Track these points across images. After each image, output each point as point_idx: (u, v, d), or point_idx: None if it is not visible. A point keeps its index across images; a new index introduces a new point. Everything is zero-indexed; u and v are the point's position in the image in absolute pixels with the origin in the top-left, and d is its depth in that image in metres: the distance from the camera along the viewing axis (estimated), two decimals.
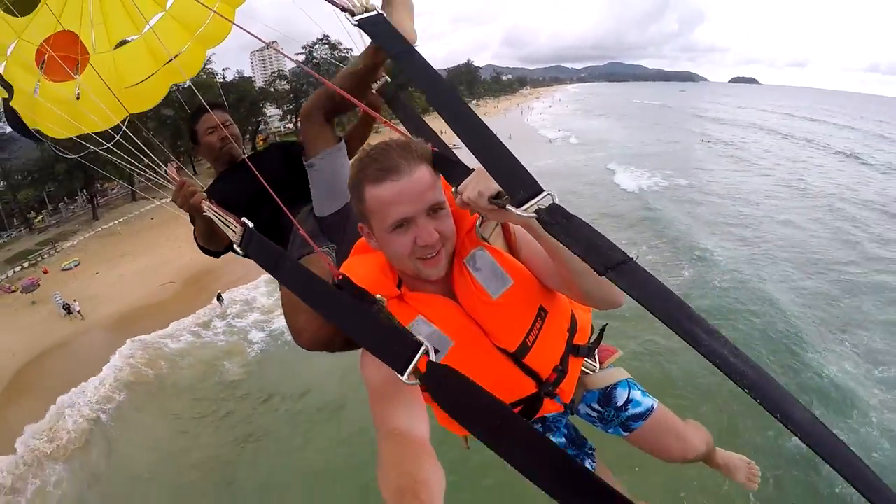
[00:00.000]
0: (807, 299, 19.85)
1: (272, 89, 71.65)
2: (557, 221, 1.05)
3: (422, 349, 1.17)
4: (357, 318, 1.33)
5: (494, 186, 1.20)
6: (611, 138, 65.23)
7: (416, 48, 1.57)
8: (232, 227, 1.89)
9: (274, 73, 78.57)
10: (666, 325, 0.87)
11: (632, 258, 0.97)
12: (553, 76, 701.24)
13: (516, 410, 1.67)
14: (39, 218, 48.92)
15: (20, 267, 35.80)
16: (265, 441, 15.52)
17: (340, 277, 1.47)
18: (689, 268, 22.57)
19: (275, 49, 2.52)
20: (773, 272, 22.34)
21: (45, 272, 33.61)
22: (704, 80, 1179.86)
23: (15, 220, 47.45)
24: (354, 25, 1.62)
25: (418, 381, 1.14)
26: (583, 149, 58.32)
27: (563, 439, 2.03)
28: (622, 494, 0.87)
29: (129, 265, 32.21)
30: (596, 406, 2.04)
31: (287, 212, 2.04)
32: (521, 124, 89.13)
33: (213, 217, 2.06)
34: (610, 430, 2.09)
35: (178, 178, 2.28)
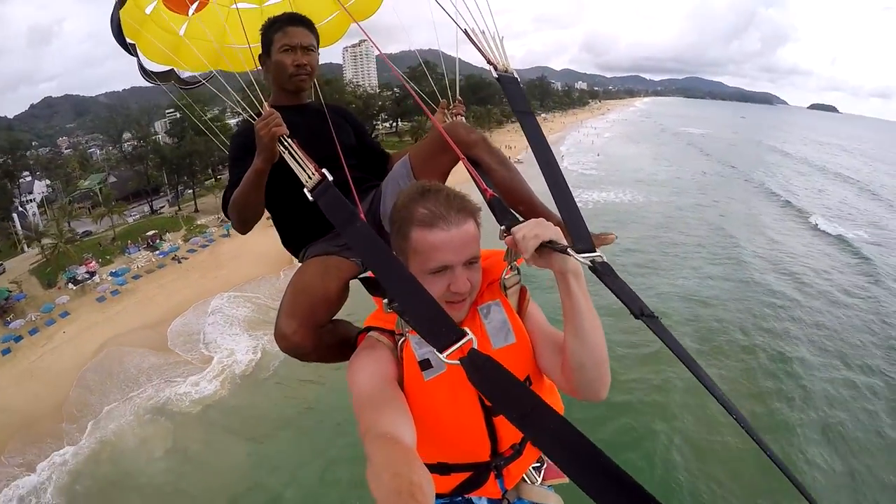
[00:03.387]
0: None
1: (383, 94, 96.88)
2: (607, 273, 1.30)
3: (467, 337, 1.24)
4: (415, 294, 1.37)
5: (549, 235, 1.40)
6: (618, 166, 79.19)
7: (532, 112, 1.89)
8: (308, 173, 1.83)
9: (384, 84, 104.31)
10: (684, 364, 1.14)
11: (658, 316, 1.21)
12: (629, 87, 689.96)
13: (462, 477, 1.73)
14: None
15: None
16: None
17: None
18: None
19: (385, 59, 2.61)
20: None
21: None
22: (784, 103, 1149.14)
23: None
24: (495, 79, 2.00)
25: (457, 362, 1.21)
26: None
27: None
28: (640, 485, 0.90)
29: None
30: None
31: (357, 199, 2.01)
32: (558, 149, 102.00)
33: (287, 157, 1.95)
34: None
35: (268, 109, 2.05)
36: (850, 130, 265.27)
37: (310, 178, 1.82)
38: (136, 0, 2.88)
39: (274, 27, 2.53)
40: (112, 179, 68.91)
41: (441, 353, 1.23)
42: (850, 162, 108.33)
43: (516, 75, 1.98)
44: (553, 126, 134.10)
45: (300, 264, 2.34)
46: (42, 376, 30.05)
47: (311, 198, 1.77)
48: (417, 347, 1.59)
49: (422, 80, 3.15)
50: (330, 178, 1.78)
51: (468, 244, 1.54)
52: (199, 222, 53.77)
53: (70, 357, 31.68)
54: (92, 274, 42.93)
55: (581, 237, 1.44)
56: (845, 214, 57.69)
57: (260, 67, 2.64)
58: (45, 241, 46.64)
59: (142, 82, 3.42)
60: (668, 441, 20.03)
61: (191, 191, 65.69)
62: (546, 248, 1.39)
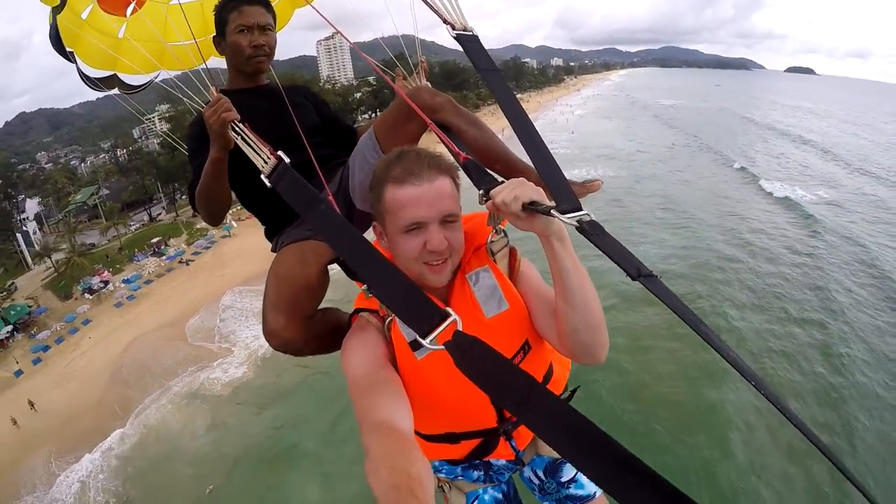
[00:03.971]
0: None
1: (361, 88, 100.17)
2: (596, 233, 1.20)
3: (450, 318, 1.18)
4: (388, 277, 1.32)
5: (530, 194, 1.30)
6: (590, 143, 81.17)
7: (499, 70, 1.77)
8: (264, 157, 1.72)
9: (361, 78, 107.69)
10: (686, 323, 1.04)
11: (657, 275, 1.13)
12: (605, 60, 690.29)
13: (472, 444, 1.73)
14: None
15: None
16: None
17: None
18: None
19: (356, 49, 2.41)
20: None
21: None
22: (762, 67, 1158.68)
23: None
24: (453, 38, 1.82)
25: (442, 347, 1.15)
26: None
27: (500, 495, 2.04)
28: (647, 465, 0.84)
29: None
30: (540, 474, 2.03)
31: (323, 180, 1.96)
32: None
33: (241, 143, 1.83)
34: (545, 503, 2.09)
35: (216, 94, 1.94)
36: (825, 92, 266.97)
37: (265, 162, 1.71)
38: (71, 5, 2.79)
39: (228, 6, 2.42)
40: (105, 191, 70.75)
41: (424, 338, 1.18)
42: (816, 124, 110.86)
43: (475, 32, 1.84)
44: (529, 106, 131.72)
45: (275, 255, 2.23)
46: (77, 378, 32.75)
47: (268, 184, 1.67)
48: (404, 327, 1.53)
49: (395, 68, 3.02)
50: (287, 160, 1.67)
51: (441, 199, 1.46)
52: (198, 226, 56.19)
53: (100, 358, 34.43)
54: (106, 283, 45.53)
55: (564, 196, 1.33)
56: (798, 177, 60.29)
57: (205, 65, 2.50)
58: (57, 255, 49.12)
59: (114, 90, 3.38)
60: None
61: (186, 196, 67.70)
62: (528, 211, 1.29)
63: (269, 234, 2.46)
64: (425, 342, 1.18)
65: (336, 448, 21.19)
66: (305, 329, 1.96)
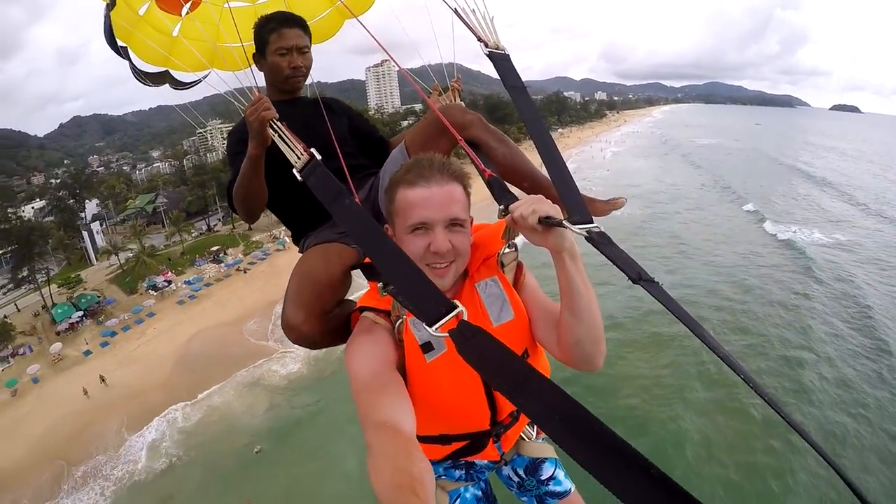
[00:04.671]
0: None
1: (408, 116, 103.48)
2: (604, 242, 1.28)
3: (457, 309, 1.23)
4: (403, 268, 1.37)
5: (546, 210, 1.36)
6: (623, 182, 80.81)
7: (524, 87, 1.87)
8: (297, 153, 1.84)
9: (407, 106, 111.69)
10: (686, 326, 1.11)
11: (657, 281, 1.19)
12: (649, 95, 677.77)
13: (460, 446, 1.82)
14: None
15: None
16: None
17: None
18: None
19: (409, 77, 2.51)
20: None
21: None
22: (806, 105, 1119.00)
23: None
24: (486, 55, 1.94)
25: (447, 335, 1.19)
26: None
27: (480, 492, 2.10)
28: (636, 449, 0.86)
29: None
30: (521, 472, 2.11)
31: (351, 185, 1.94)
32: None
33: (277, 140, 1.96)
34: (524, 499, 2.17)
35: (257, 94, 2.07)
36: (865, 132, 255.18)
37: (298, 158, 1.82)
38: (128, 1, 2.84)
39: (268, 27, 2.52)
40: (163, 199, 74.69)
41: (430, 326, 1.23)
42: (844, 166, 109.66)
43: (507, 52, 1.95)
44: (569, 142, 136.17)
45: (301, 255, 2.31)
46: (143, 361, 36.36)
47: (299, 178, 1.77)
48: (417, 330, 1.60)
49: (432, 85, 3.14)
50: (318, 156, 1.78)
51: (449, 204, 1.53)
52: (254, 239, 59.79)
53: (165, 346, 38.06)
54: (169, 282, 49.60)
55: (577, 209, 1.42)
56: (812, 219, 60.69)
57: (253, 67, 2.62)
58: (124, 254, 53.58)
59: (168, 101, 3.27)
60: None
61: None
62: (544, 225, 1.36)
63: (296, 238, 2.61)
64: (431, 329, 1.22)
65: None
66: (323, 324, 2.01)
